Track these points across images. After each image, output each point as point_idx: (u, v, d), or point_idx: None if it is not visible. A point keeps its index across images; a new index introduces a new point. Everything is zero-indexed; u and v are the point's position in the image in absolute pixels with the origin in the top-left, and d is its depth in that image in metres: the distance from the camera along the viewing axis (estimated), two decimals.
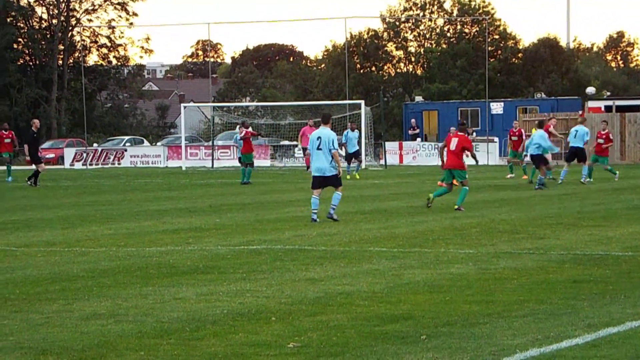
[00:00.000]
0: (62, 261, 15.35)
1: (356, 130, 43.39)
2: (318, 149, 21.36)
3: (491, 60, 77.35)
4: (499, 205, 25.14)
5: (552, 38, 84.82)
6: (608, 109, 58.51)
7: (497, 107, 64.91)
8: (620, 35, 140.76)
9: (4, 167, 44.46)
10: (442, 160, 25.12)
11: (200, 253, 16.13)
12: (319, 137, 21.40)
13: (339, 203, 21.54)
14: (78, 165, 61.94)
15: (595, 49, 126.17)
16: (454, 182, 24.67)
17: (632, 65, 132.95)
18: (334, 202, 21.45)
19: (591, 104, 61.32)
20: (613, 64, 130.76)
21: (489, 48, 76.20)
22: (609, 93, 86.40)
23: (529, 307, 10.95)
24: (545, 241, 17.11)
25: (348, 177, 39.88)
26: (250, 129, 39.57)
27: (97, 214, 24.56)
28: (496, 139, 57.19)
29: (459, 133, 24.81)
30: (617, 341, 9.23)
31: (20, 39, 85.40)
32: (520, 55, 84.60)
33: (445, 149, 24.89)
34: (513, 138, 41.13)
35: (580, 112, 54.47)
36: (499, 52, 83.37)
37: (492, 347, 9.02)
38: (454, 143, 24.45)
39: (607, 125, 38.15)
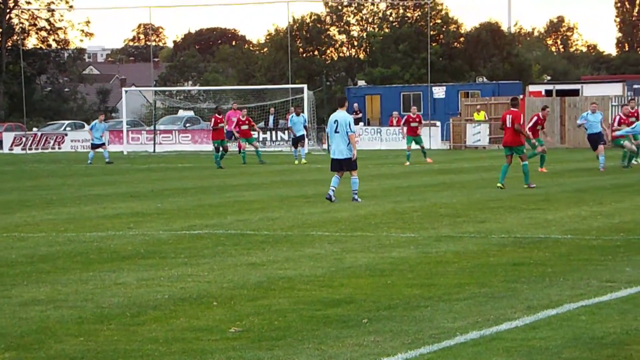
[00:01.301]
0: (0, 247, 15.18)
1: (302, 115, 42.93)
2: (335, 132, 21.50)
3: (433, 44, 77.62)
4: (441, 189, 25.26)
5: (493, 23, 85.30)
6: (548, 93, 59.04)
7: (439, 92, 65.19)
8: (560, 20, 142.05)
9: None
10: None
11: (141, 238, 16.04)
12: (335, 121, 21.53)
13: (358, 186, 21.79)
14: (17, 150, 61.26)
15: (536, 33, 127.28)
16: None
17: (571, 49, 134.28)
18: (354, 188, 21.71)
19: (532, 88, 61.80)
20: (553, 49, 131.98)
21: (431, 32, 76.45)
22: (549, 77, 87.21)
23: (469, 290, 11.02)
24: (486, 225, 17.22)
25: (296, 162, 39.86)
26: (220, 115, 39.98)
27: (36, 199, 24.31)
28: (438, 123, 57.42)
29: (512, 109, 25.04)
30: (555, 323, 9.32)
31: None
32: (462, 39, 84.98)
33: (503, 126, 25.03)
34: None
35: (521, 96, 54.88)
36: (441, 36, 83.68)
37: (433, 330, 9.07)
38: (509, 119, 24.73)
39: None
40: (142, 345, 8.63)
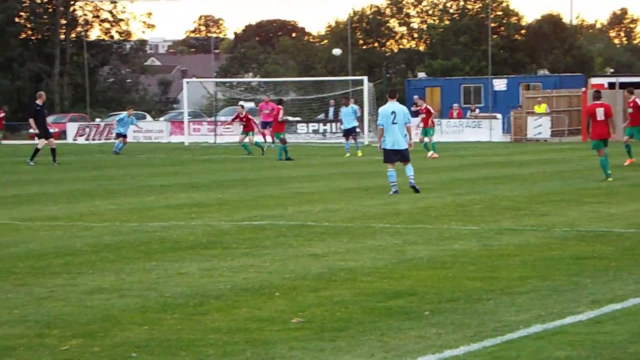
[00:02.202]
0: (65, 236, 15.38)
1: (351, 106, 41.91)
2: (393, 123, 21.62)
3: (494, 36, 77.14)
4: (502, 182, 25.11)
5: (555, 15, 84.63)
6: (611, 85, 58.41)
7: (499, 84, 64.78)
8: (624, 12, 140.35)
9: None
10: (587, 131, 25.10)
11: (203, 228, 16.15)
12: (393, 112, 21.66)
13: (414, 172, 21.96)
14: (81, 140, 61.90)
15: (598, 25, 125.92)
16: None
17: (635, 42, 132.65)
18: (410, 174, 21.87)
19: (594, 80, 61.17)
20: (616, 41, 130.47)
21: (492, 24, 75.97)
22: (612, 70, 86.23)
23: (532, 283, 10.96)
24: (548, 218, 17.10)
25: (347, 155, 39.65)
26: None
27: (100, 188, 24.57)
28: (499, 116, 57.08)
29: (600, 102, 24.96)
30: (620, 317, 9.24)
31: (22, 13, 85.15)
32: (523, 31, 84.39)
33: (591, 120, 24.82)
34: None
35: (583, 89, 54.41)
36: (502, 28, 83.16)
37: (495, 323, 9.04)
38: (600, 113, 24.58)
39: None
40: (205, 334, 8.70)
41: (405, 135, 21.76)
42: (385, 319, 9.26)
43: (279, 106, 39.54)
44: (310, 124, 61.20)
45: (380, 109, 22.00)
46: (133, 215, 18.22)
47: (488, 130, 54.51)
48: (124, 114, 47.62)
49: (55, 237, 15.17)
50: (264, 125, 45.93)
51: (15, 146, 47.44)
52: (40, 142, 36.01)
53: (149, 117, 74.72)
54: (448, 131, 56.63)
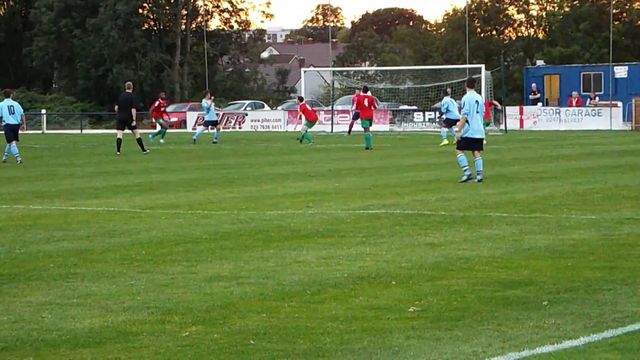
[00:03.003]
0: (185, 223, 15.64)
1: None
2: (477, 112, 22.01)
3: (616, 23, 75.66)
4: (622, 171, 24.68)
5: None
6: None
7: (621, 71, 63.56)
8: None
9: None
10: None
11: (320, 217, 16.25)
12: (477, 101, 22.07)
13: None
14: (200, 129, 62.77)
15: None
16: None
17: None
18: (481, 168, 22.08)
19: None
20: None
21: (614, 10, 74.54)
22: None
23: None
24: None
25: (445, 142, 39.57)
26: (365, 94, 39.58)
27: (218, 177, 24.91)
28: (620, 104, 56.05)
29: None
30: None
31: (145, 5, 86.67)
32: None
33: None
34: None
35: None
36: (624, 14, 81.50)
37: (616, 313, 8.91)
38: None
39: None
40: (322, 322, 8.77)
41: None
42: (503, 308, 9.21)
43: (367, 94, 39.61)
44: (426, 113, 60.99)
45: (465, 98, 22.16)
46: (251, 203, 18.43)
47: (608, 118, 53.59)
48: (205, 101, 45.89)
49: (175, 225, 15.44)
50: (356, 116, 46.25)
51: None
52: (136, 132, 35.97)
53: (266, 107, 75.34)
54: (567, 119, 55.84)
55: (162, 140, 44.01)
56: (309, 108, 44.07)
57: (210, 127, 46.85)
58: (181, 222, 15.86)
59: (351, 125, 49.45)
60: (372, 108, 39.13)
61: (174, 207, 17.92)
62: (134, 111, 35.60)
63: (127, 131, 36.08)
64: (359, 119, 39.92)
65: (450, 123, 40.23)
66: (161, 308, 9.39)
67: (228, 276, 11.01)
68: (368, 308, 9.32)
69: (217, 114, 46.62)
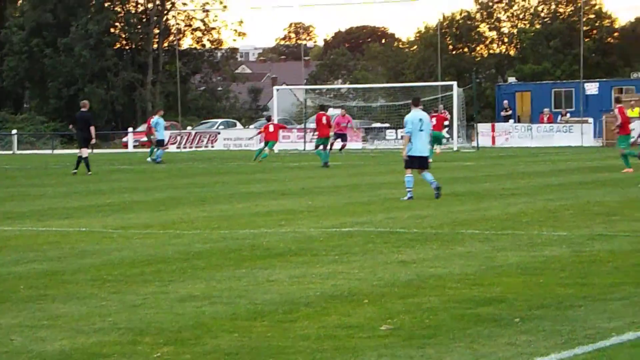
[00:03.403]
0: (157, 243, 15.58)
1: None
2: (420, 130, 22.12)
3: (586, 40, 76.20)
4: (593, 187, 24.81)
5: None
6: None
7: (591, 88, 64.00)
8: None
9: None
10: None
11: (292, 235, 16.23)
12: (420, 119, 22.21)
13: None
14: (172, 148, 62.66)
15: None
16: None
17: None
18: (431, 178, 22.34)
19: None
20: None
21: (584, 28, 75.07)
22: None
23: (625, 290, 10.81)
24: None
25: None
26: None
27: (191, 196, 24.84)
28: (590, 120, 56.39)
29: None
30: None
31: (117, 24, 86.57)
32: (616, 34, 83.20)
33: None
34: None
35: None
36: (594, 31, 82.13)
37: (588, 330, 8.93)
38: None
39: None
40: (295, 342, 8.74)
41: (429, 142, 22.67)
42: (475, 326, 9.22)
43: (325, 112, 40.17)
44: (399, 130, 61.09)
45: (408, 117, 22.39)
46: (223, 222, 18.39)
47: (579, 134, 53.92)
48: (156, 117, 45.28)
49: (147, 245, 15.38)
50: (337, 136, 47.35)
51: (109, 154, 48.38)
52: (84, 151, 35.39)
53: (239, 125, 75.34)
54: (538, 136, 56.09)
55: (150, 159, 44.03)
56: (271, 129, 43.90)
57: (157, 146, 44.62)
58: (153, 242, 15.80)
59: (332, 145, 49.56)
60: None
61: (146, 227, 17.86)
62: (92, 129, 35.35)
63: (96, 150, 35.84)
64: (317, 137, 39.95)
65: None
66: (132, 329, 9.34)
67: (200, 296, 10.97)
68: (340, 327, 9.30)
69: (166, 133, 45.49)
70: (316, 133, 40.34)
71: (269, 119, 47.41)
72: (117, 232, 17.20)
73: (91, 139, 35.35)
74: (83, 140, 35.66)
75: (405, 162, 22.41)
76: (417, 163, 22.30)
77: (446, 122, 42.95)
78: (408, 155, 22.25)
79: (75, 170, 34.95)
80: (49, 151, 66.77)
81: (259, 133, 46.81)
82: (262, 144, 44.21)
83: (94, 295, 11.15)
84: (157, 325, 9.48)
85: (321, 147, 38.27)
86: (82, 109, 35.88)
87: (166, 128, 68.58)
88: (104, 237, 16.45)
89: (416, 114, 22.30)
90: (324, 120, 39.07)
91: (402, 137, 30.44)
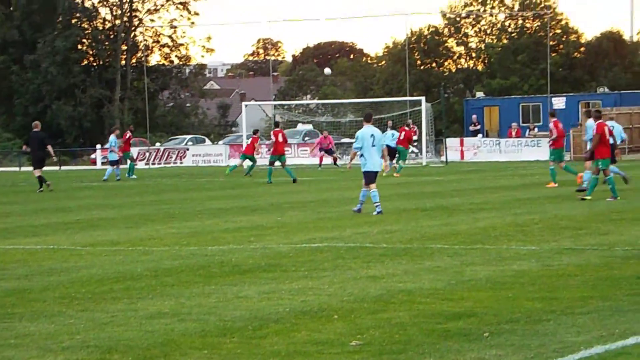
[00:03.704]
0: (126, 260, 15.52)
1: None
2: (372, 145, 22.42)
3: (553, 54, 76.67)
4: (562, 201, 24.93)
5: (615, 31, 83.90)
6: None
7: (559, 102, 64.35)
8: None
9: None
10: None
11: (262, 251, 16.20)
12: (372, 135, 22.53)
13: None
14: (141, 165, 62.45)
15: None
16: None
17: None
18: (377, 200, 22.51)
19: None
20: None
21: (551, 43, 75.54)
22: None
23: (593, 303, 10.86)
24: (609, 237, 16.94)
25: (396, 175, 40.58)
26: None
27: (160, 213, 24.76)
28: None
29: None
30: None
31: (84, 40, 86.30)
32: (582, 49, 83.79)
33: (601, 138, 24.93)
34: None
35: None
36: (561, 46, 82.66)
37: (556, 344, 8.97)
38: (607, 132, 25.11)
39: None
40: (264, 358, 8.72)
41: (381, 157, 22.88)
42: (444, 340, 9.23)
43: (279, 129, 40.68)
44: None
45: (360, 132, 22.68)
46: (192, 239, 18.34)
47: (547, 149, 54.07)
48: (112, 137, 44.60)
49: (116, 262, 15.31)
50: (325, 151, 50.53)
51: (77, 171, 48.17)
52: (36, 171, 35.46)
53: (208, 141, 75.22)
54: (507, 150, 56.33)
55: (133, 175, 44.09)
56: (248, 141, 44.06)
57: (112, 165, 43.75)
58: (122, 258, 15.73)
59: (321, 160, 52.08)
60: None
61: (114, 244, 17.78)
62: (50, 148, 35.60)
63: (64, 167, 35.75)
64: (272, 153, 39.98)
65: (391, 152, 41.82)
66: (101, 347, 9.28)
67: (169, 313, 10.93)
68: (310, 342, 9.29)
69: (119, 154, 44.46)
70: (270, 149, 40.50)
71: (255, 132, 47.14)
72: (86, 249, 17.11)
73: (45, 159, 35.67)
74: (36, 161, 35.92)
75: (364, 178, 22.75)
76: (372, 177, 22.66)
77: (415, 137, 43.27)
78: (363, 172, 22.64)
79: (41, 189, 34.79)
80: (16, 168, 66.34)
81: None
82: (239, 160, 44.71)
83: (62, 313, 11.08)
84: (125, 342, 9.43)
85: (277, 163, 38.50)
86: (35, 129, 35.90)
87: (135, 144, 68.65)
88: (72, 255, 16.36)
89: (368, 130, 22.60)
90: (280, 137, 39.26)
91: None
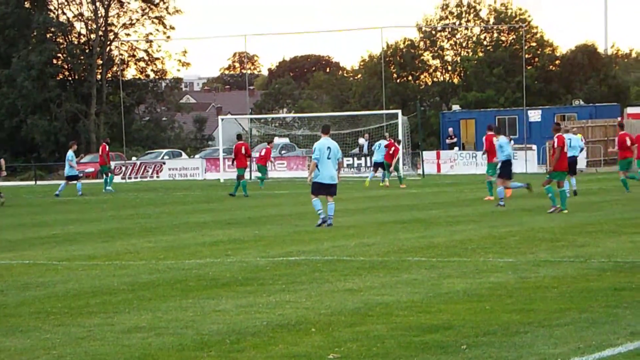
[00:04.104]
0: (102, 275, 15.45)
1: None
2: (328, 158, 22.59)
3: (528, 67, 76.98)
4: (538, 214, 25.00)
5: (590, 44, 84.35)
6: None
7: (534, 115, 64.62)
8: None
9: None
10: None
11: (239, 265, 16.17)
12: (328, 147, 22.66)
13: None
14: (117, 179, 62.25)
15: (634, 54, 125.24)
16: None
17: None
18: (331, 214, 22.74)
19: (630, 110, 60.93)
20: None
21: (526, 56, 75.86)
22: None
23: (570, 315, 10.89)
24: (585, 249, 17.01)
25: (381, 184, 41.61)
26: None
27: (136, 227, 24.68)
28: (534, 147, 56.90)
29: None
30: None
31: (59, 55, 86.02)
32: (557, 62, 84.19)
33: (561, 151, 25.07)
34: None
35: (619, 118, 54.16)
36: (536, 59, 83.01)
37: (534, 356, 8.98)
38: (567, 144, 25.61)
39: None
40: None
41: (336, 170, 22.87)
42: (422, 353, 9.23)
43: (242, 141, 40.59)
44: (344, 159, 61.29)
45: (317, 144, 22.79)
46: (169, 253, 18.29)
47: (523, 161, 54.28)
48: (69, 152, 43.11)
49: (92, 277, 15.25)
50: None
51: (53, 186, 47.93)
52: None
53: (184, 155, 75.10)
54: (483, 163, 56.44)
55: (110, 188, 44.07)
56: (242, 152, 43.52)
57: (70, 181, 42.67)
58: (98, 273, 15.66)
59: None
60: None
61: (91, 259, 17.71)
62: (2, 161, 36.80)
63: (39, 181, 35.69)
64: (237, 166, 39.93)
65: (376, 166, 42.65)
66: None
67: (146, 327, 10.89)
68: (288, 356, 9.27)
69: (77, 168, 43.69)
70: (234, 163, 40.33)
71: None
72: (62, 264, 17.03)
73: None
74: None
75: (312, 188, 22.86)
76: (323, 190, 22.71)
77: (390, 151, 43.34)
78: (314, 182, 22.76)
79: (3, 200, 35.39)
80: None
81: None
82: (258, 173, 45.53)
83: (38, 328, 11.02)
84: (102, 357, 9.38)
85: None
86: None
87: (112, 159, 68.47)
88: (48, 269, 16.28)
89: (325, 142, 22.69)
90: (242, 150, 39.29)
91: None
